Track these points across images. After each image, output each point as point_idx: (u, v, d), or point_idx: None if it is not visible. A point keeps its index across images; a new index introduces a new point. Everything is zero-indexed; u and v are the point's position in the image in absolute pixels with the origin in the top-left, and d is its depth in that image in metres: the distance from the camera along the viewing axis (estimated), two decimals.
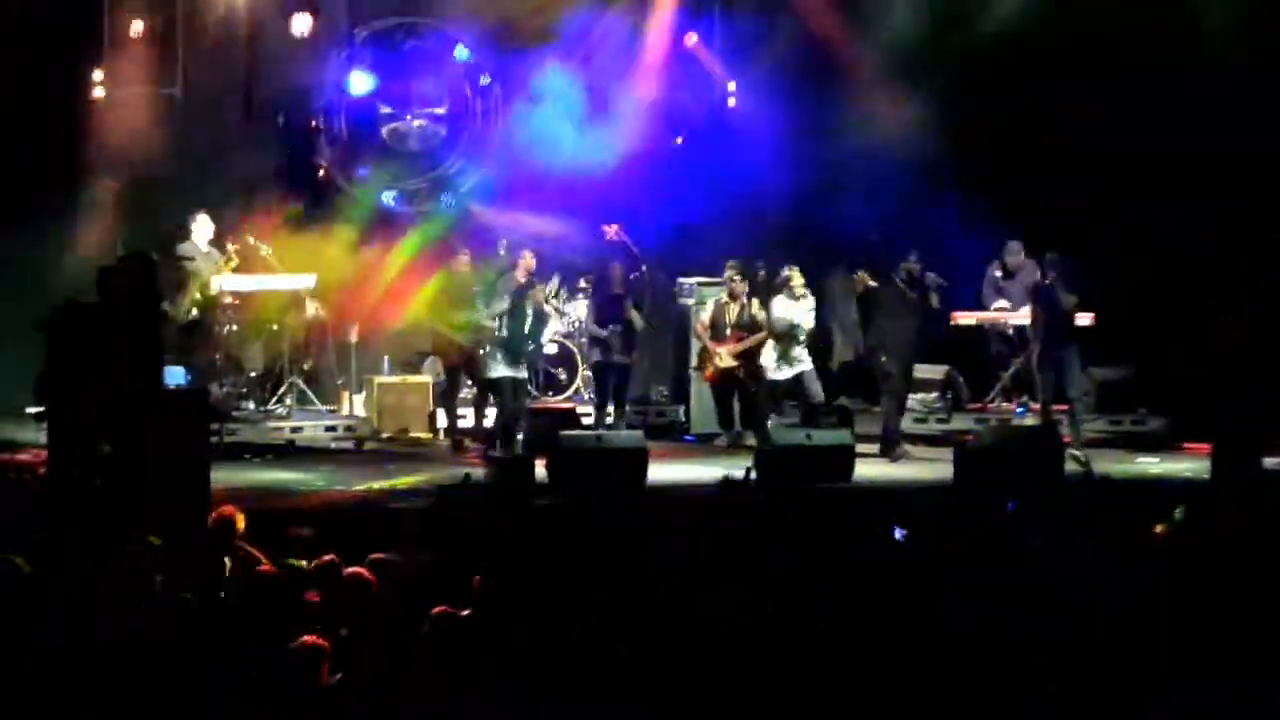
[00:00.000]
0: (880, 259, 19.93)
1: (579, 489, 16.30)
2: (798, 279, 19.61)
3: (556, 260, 21.96)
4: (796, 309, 19.54)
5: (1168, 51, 21.10)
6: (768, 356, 19.63)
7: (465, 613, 9.11)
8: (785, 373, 19.62)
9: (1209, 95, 20.51)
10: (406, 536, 12.12)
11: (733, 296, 20.41)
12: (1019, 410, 20.79)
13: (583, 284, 21.91)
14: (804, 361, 19.72)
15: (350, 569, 10.29)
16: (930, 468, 18.41)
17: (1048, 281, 19.29)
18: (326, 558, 10.65)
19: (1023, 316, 20.53)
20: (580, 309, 21.90)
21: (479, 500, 14.62)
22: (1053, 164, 21.42)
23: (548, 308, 20.40)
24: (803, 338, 19.60)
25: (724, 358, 20.26)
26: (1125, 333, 20.73)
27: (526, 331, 19.10)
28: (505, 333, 18.96)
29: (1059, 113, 21.46)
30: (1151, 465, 18.97)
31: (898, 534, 12.95)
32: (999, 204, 21.11)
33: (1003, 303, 21.00)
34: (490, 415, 19.38)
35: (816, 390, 19.69)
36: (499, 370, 18.86)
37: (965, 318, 21.08)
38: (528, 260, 20.17)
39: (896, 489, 17.20)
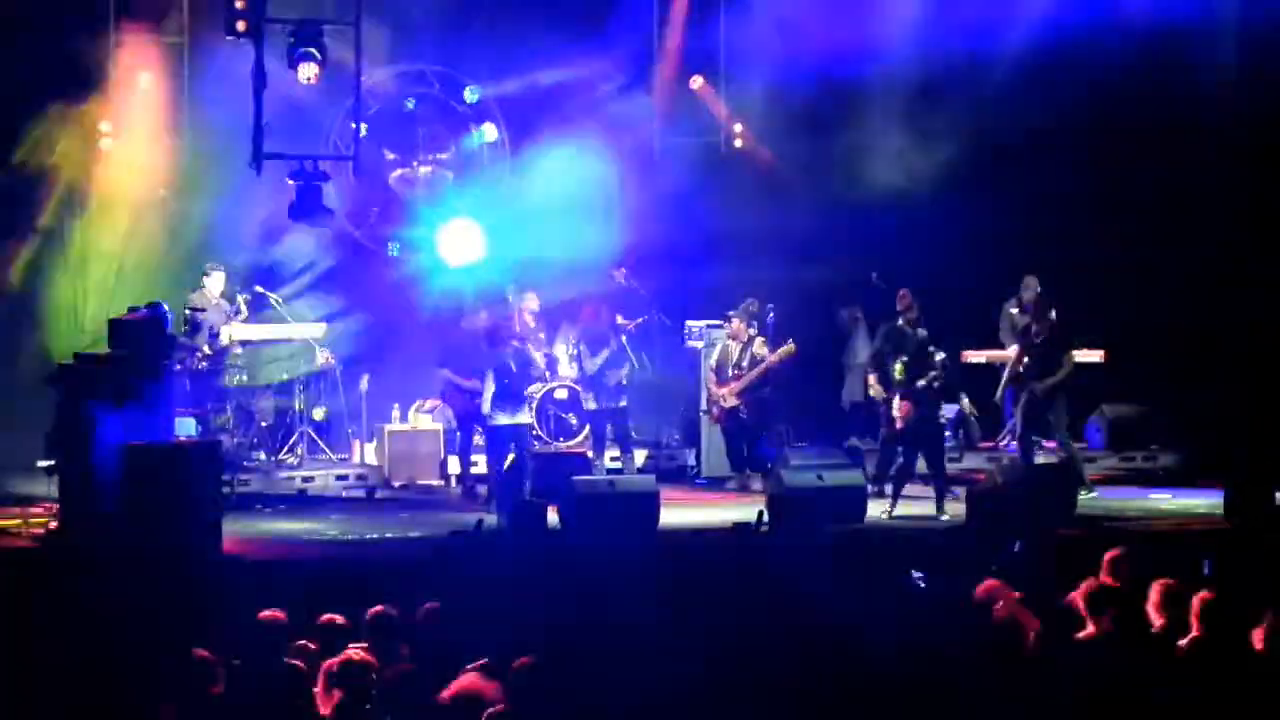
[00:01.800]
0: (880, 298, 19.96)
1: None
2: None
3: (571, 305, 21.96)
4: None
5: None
6: None
7: None
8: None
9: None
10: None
11: (734, 338, 20.39)
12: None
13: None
14: None
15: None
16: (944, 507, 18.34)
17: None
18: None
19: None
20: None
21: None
22: (1061, 199, 21.50)
23: (535, 352, 19.98)
24: None
25: (727, 398, 20.25)
26: (1137, 370, 20.70)
27: (512, 377, 18.85)
28: (495, 381, 18.82)
29: (1069, 148, 21.54)
30: (1164, 501, 18.90)
31: (915, 577, 12.91)
32: (1009, 242, 21.15)
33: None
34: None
35: None
36: (497, 418, 18.74)
37: (975, 356, 21.05)
38: (529, 302, 20.21)
39: (909, 530, 17.12)
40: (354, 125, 19.33)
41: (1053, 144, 21.87)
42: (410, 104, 23.04)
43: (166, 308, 16.80)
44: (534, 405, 20.40)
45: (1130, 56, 21.62)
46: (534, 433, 20.47)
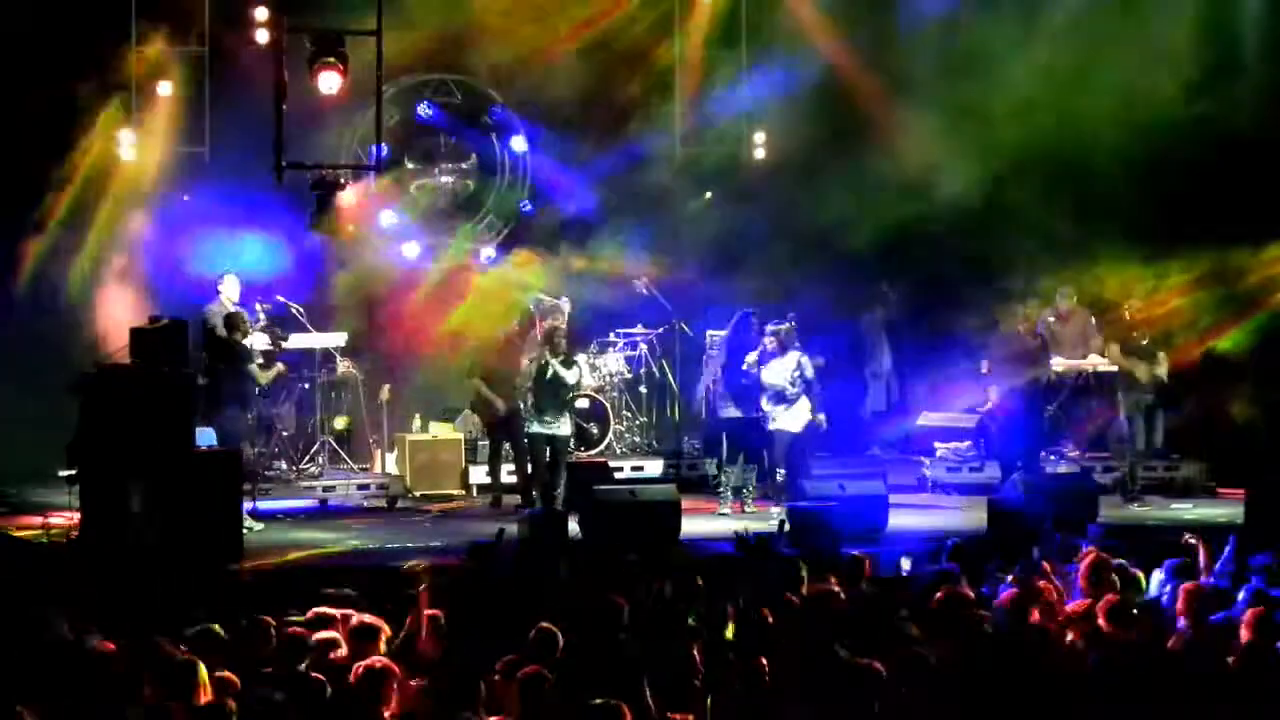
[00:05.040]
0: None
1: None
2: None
3: (591, 314, 21.98)
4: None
5: None
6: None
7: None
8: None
9: None
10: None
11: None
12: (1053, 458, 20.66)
13: (612, 337, 22.01)
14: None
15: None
16: (965, 516, 18.31)
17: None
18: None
19: (1057, 364, 20.43)
20: (612, 363, 21.90)
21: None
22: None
23: (558, 363, 19.83)
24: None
25: None
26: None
27: (548, 384, 18.79)
28: (531, 389, 18.82)
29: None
30: (1185, 510, 18.87)
31: (904, 565, 12.95)
32: (1037, 248, 21.11)
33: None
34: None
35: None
36: (532, 427, 18.74)
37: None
38: (561, 312, 20.20)
39: (930, 538, 17.06)
40: (376, 134, 19.32)
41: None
42: (430, 113, 23.07)
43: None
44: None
45: None
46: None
